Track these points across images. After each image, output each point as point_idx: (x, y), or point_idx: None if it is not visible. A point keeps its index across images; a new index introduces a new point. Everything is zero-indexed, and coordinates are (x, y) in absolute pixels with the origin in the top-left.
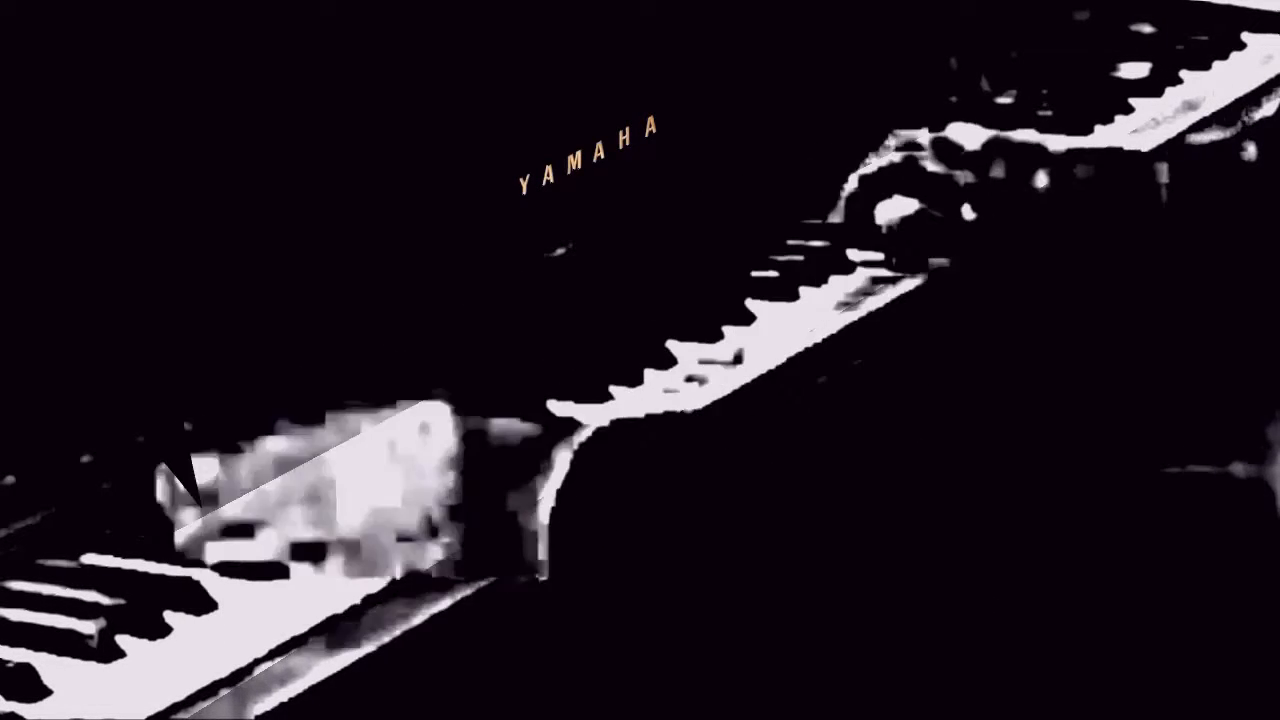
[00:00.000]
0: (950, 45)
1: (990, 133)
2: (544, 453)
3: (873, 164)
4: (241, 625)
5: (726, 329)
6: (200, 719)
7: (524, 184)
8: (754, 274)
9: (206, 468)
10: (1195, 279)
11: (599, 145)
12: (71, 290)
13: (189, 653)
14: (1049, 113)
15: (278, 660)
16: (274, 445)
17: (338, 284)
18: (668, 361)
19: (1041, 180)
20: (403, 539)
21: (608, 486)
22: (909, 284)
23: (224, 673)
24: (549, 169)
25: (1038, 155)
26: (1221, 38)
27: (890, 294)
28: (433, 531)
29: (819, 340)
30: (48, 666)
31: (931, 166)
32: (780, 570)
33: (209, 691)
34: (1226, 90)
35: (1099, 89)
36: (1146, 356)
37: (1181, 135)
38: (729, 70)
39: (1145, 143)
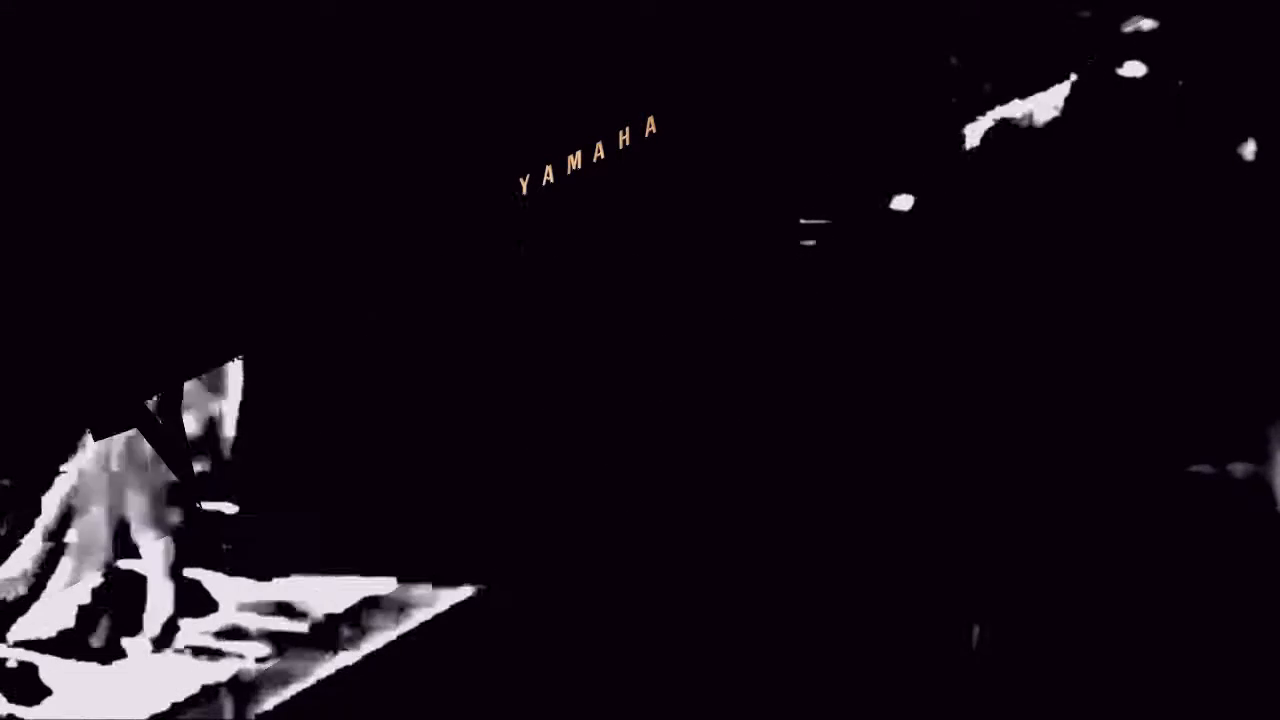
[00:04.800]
0: (951, 44)
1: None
2: None
3: None
4: (241, 626)
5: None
6: (200, 719)
7: (524, 184)
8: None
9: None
10: (1195, 277)
11: (599, 145)
12: (71, 290)
13: (189, 653)
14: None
15: (278, 660)
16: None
17: (337, 283)
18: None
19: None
20: None
21: None
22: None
23: (224, 673)
24: (549, 169)
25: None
26: None
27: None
28: None
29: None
30: (48, 666)
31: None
32: None
33: (209, 692)
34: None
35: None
36: (1145, 355)
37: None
38: (729, 70)
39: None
